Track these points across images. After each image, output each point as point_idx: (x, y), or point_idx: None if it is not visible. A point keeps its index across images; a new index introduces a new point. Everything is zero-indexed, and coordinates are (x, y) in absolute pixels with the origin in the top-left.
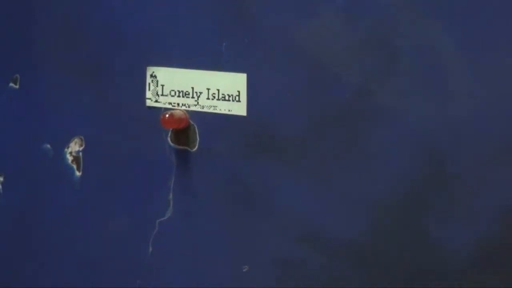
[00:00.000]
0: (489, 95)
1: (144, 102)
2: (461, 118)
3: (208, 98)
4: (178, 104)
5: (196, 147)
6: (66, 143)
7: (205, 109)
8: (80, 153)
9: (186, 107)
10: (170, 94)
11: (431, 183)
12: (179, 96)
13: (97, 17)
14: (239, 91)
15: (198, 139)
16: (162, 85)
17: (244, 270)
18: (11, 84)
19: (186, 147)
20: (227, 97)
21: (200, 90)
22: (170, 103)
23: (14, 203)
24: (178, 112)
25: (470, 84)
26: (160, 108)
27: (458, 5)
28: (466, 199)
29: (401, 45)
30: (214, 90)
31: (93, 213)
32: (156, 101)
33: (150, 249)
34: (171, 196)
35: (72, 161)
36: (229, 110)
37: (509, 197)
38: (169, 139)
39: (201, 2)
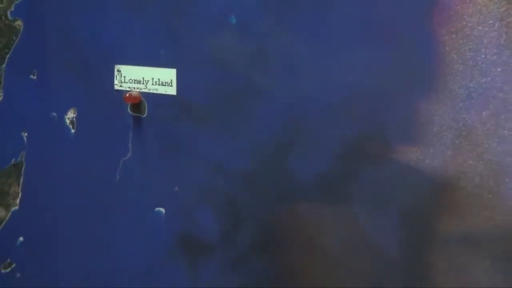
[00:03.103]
0: (324, 80)
1: (113, 87)
2: (308, 94)
3: (152, 84)
4: (134, 88)
5: (146, 114)
6: (65, 112)
7: (151, 91)
8: (74, 118)
9: (139, 90)
10: (129, 82)
11: (290, 135)
12: (134, 83)
13: (85, 35)
14: (171, 80)
15: (146, 109)
16: (124, 76)
17: (175, 190)
18: (31, 76)
19: (139, 114)
20: (164, 84)
21: (148, 79)
22: (129, 87)
23: (34, 150)
24: (134, 93)
25: (313, 72)
26: (123, 90)
27: (305, 21)
28: (311, 145)
29: (271, 48)
30: (156, 79)
31: (81, 155)
32: (121, 86)
33: (117, 177)
34: (130, 144)
35: (69, 123)
36: (165, 91)
37: (338, 138)
38: (128, 109)
39: (149, 26)
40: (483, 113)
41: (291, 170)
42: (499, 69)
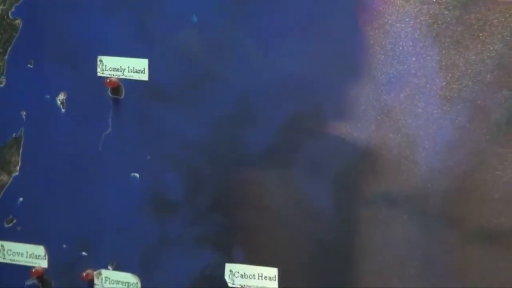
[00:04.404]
0: (270, 67)
1: (96, 74)
2: (257, 79)
3: (128, 72)
4: (113, 75)
5: (123, 96)
6: (57, 95)
7: (127, 77)
8: (64, 100)
9: (117, 76)
10: (109, 69)
11: (242, 113)
12: (114, 71)
13: (73, 31)
14: (144, 68)
15: (124, 92)
16: (105, 65)
17: (147, 158)
18: (29, 65)
19: (117, 96)
20: (138, 71)
21: (124, 67)
22: (109, 74)
23: (34, 126)
24: (113, 79)
25: (261, 61)
26: (104, 77)
27: (254, 20)
28: (260, 121)
29: (226, 42)
30: (132, 68)
31: (70, 130)
32: (102, 73)
33: (100, 148)
34: (110, 121)
35: (60, 104)
36: (139, 78)
37: (281, 115)
38: (109, 92)
39: (126, 24)
40: (401, 94)
41: (243, 142)
42: (414, 59)
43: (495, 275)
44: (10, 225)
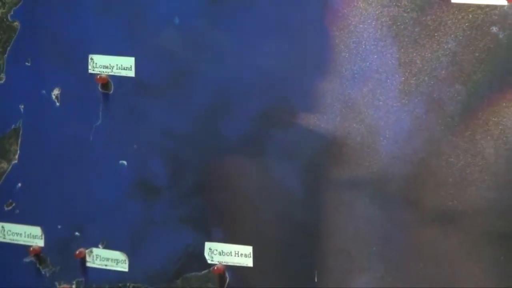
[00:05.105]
0: (245, 64)
1: (88, 71)
2: (233, 75)
3: (117, 69)
4: (103, 72)
5: (112, 91)
6: (52, 90)
7: (116, 74)
8: (59, 95)
9: (107, 73)
10: (99, 67)
11: (219, 105)
12: (103, 68)
13: (67, 32)
14: (131, 65)
15: (113, 87)
16: (96, 63)
17: (134, 147)
18: (26, 63)
19: (107, 91)
20: (125, 68)
21: (113, 65)
22: (99, 71)
23: (31, 118)
24: (103, 75)
25: (236, 58)
26: (95, 73)
27: (230, 22)
28: (235, 113)
29: (205, 41)
30: (120, 65)
31: (64, 122)
32: (93, 70)
33: (91, 138)
34: (100, 113)
35: (55, 98)
36: (126, 74)
37: (255, 108)
38: (99, 87)
39: (115, 25)
40: (364, 89)
41: (221, 132)
42: (375, 56)
43: (449, 251)
44: (10, 208)
